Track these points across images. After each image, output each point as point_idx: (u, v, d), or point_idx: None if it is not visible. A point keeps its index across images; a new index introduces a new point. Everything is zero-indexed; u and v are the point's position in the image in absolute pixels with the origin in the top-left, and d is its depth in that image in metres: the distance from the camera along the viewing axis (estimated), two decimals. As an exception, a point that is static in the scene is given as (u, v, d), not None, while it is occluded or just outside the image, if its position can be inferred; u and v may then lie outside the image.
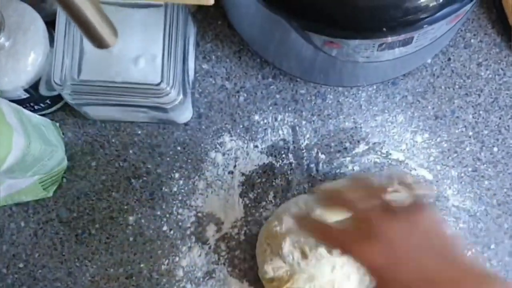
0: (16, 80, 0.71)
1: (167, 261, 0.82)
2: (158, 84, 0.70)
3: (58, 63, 0.70)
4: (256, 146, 0.84)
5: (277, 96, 0.85)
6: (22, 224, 0.82)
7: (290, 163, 0.84)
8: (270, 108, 0.85)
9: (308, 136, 0.84)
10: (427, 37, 0.68)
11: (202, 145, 0.84)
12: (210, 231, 0.83)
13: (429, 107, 0.86)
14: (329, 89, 0.85)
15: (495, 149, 0.85)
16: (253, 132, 0.84)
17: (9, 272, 0.82)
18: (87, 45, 0.70)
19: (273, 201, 0.83)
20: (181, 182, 0.83)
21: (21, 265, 0.82)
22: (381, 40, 0.65)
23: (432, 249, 0.60)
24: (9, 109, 0.67)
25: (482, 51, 0.87)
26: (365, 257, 0.60)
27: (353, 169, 0.84)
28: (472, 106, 0.86)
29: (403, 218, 0.61)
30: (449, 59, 0.86)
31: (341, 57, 0.70)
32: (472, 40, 0.87)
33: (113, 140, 0.83)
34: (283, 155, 0.84)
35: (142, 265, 0.82)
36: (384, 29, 0.63)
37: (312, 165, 0.84)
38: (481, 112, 0.86)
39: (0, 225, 0.82)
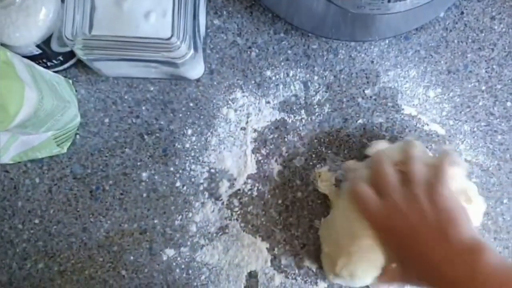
0: (27, 36, 0.71)
1: (180, 216, 0.83)
2: (169, 38, 0.70)
3: (69, 19, 0.70)
4: (268, 102, 0.84)
5: (289, 51, 0.85)
6: (37, 180, 0.83)
7: (302, 119, 0.84)
8: (282, 63, 0.85)
9: (320, 91, 0.84)
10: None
11: (214, 101, 0.84)
12: (223, 187, 0.83)
13: (442, 62, 0.85)
14: (341, 44, 0.85)
15: (508, 103, 0.85)
16: (265, 88, 0.84)
17: (25, 228, 0.83)
18: (98, 0, 0.70)
19: (285, 156, 0.83)
20: (193, 138, 0.83)
21: (36, 221, 0.83)
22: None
23: (433, 221, 0.63)
24: (21, 64, 0.68)
25: (495, 4, 0.86)
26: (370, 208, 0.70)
27: (365, 125, 0.84)
28: (485, 61, 0.85)
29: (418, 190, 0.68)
30: (462, 12, 0.85)
31: (352, 8, 0.70)
32: (485, -7, 0.86)
33: (126, 97, 0.84)
34: (295, 111, 0.84)
35: (155, 221, 0.83)
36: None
37: (324, 121, 0.84)
38: (494, 66, 0.85)
39: (15, 182, 0.83)
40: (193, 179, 0.83)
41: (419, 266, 0.65)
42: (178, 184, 0.83)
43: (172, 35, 0.70)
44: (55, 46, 0.76)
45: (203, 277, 0.82)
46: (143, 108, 0.83)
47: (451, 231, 0.64)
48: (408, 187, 0.69)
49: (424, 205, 0.67)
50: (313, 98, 0.84)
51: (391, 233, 0.69)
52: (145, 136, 0.83)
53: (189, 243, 0.82)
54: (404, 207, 0.68)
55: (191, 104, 0.84)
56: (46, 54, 0.76)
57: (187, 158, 0.83)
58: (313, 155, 0.83)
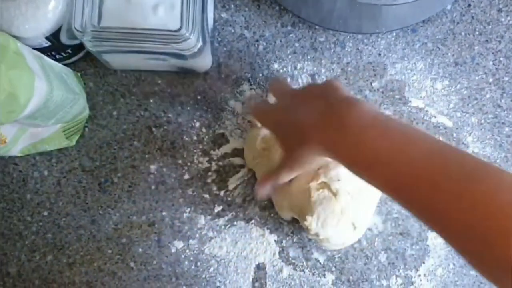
0: (36, 27, 0.72)
1: (188, 209, 0.83)
2: (178, 30, 0.70)
3: (78, 11, 0.70)
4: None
5: (296, 44, 0.85)
6: (46, 173, 0.83)
7: (310, 111, 0.84)
8: (289, 56, 0.85)
9: (327, 84, 0.84)
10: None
11: (222, 94, 0.84)
12: (231, 179, 0.83)
13: (449, 54, 0.85)
14: (348, 37, 0.85)
15: (516, 96, 0.85)
16: (273, 81, 0.85)
17: (34, 220, 0.83)
18: (107, -6, 0.71)
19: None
20: (201, 131, 0.84)
21: (45, 213, 0.83)
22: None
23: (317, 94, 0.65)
24: (31, 55, 0.68)
25: (503, -4, 0.86)
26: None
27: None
28: (493, 53, 0.85)
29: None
30: (469, 5, 0.86)
31: (360, -1, 0.70)
32: (492, -14, 0.86)
33: (134, 90, 0.84)
34: (303, 104, 0.84)
35: (164, 213, 0.83)
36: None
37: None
38: (501, 58, 0.85)
39: (24, 174, 0.83)
40: (201, 172, 0.83)
41: (298, 129, 0.65)
42: (186, 176, 0.83)
43: (181, 27, 0.70)
44: (64, 39, 0.76)
45: (211, 269, 0.82)
46: (151, 101, 0.84)
47: (331, 94, 0.64)
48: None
49: (311, 87, 0.70)
50: (320, 90, 0.84)
51: (281, 121, 0.68)
52: (153, 129, 0.83)
53: (197, 235, 0.83)
54: (294, 96, 0.69)
55: (199, 97, 0.84)
56: (55, 47, 0.76)
57: (195, 151, 0.83)
58: (321, 148, 0.84)
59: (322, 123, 0.61)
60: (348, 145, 0.58)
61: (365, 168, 0.57)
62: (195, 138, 0.83)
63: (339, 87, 0.65)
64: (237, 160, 0.83)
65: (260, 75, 0.84)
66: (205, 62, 0.81)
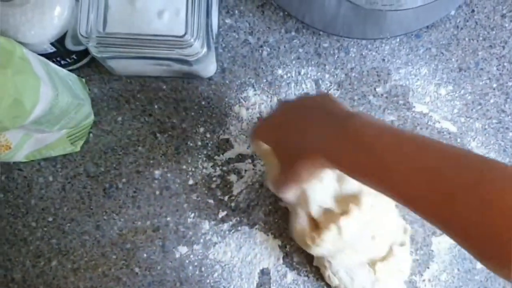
0: (42, 33, 0.72)
1: (193, 214, 0.83)
2: (183, 36, 0.70)
3: (83, 17, 0.71)
4: (280, 100, 0.84)
5: (300, 50, 0.85)
6: (51, 178, 0.83)
7: (314, 117, 0.84)
8: (293, 62, 0.85)
9: (331, 89, 0.85)
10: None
11: (226, 99, 0.84)
12: (235, 185, 0.84)
13: (453, 60, 0.85)
14: (352, 42, 0.85)
15: (520, 101, 0.85)
16: (277, 86, 0.85)
17: (39, 225, 0.83)
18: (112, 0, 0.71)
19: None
20: (206, 136, 0.84)
21: (50, 219, 0.83)
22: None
23: (309, 109, 0.66)
24: (36, 61, 0.68)
25: (506, 2, 0.86)
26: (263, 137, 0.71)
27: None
28: (496, 58, 0.86)
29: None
30: (473, 10, 0.86)
31: (365, 4, 0.70)
32: (496, -9, 0.86)
33: (139, 95, 0.84)
34: (307, 109, 0.84)
35: (168, 218, 0.83)
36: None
37: (336, 118, 0.84)
38: (505, 64, 0.86)
39: (29, 180, 0.83)
40: (205, 177, 0.83)
41: (298, 142, 0.65)
42: (190, 182, 0.83)
43: (186, 33, 0.70)
44: (69, 45, 0.76)
45: (216, 274, 0.83)
46: (156, 106, 0.84)
47: (329, 105, 0.64)
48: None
49: (306, 99, 0.70)
50: (324, 96, 0.84)
51: (281, 137, 0.68)
52: (158, 135, 0.84)
53: (201, 240, 0.83)
54: (289, 108, 0.70)
55: (203, 103, 0.84)
56: (60, 52, 0.77)
57: (199, 156, 0.84)
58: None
59: (325, 135, 0.61)
60: (357, 156, 0.57)
61: (376, 177, 0.57)
62: (199, 143, 0.84)
63: (336, 99, 0.65)
64: (241, 166, 0.83)
65: (264, 80, 0.85)
66: (209, 67, 0.82)
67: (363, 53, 0.85)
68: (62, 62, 0.79)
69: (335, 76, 0.85)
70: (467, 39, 0.86)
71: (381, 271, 0.77)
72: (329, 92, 0.84)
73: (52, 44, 0.74)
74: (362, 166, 0.58)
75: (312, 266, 0.83)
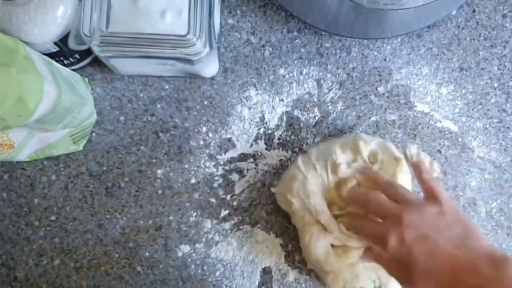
0: (45, 33, 0.72)
1: (195, 213, 0.83)
2: (185, 35, 0.70)
3: (86, 16, 0.71)
4: (282, 100, 0.85)
5: (302, 50, 0.85)
6: (53, 177, 0.84)
7: (315, 116, 0.85)
8: (295, 62, 0.85)
9: (333, 89, 0.85)
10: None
11: (228, 99, 0.85)
12: (237, 184, 0.84)
13: (454, 59, 0.86)
14: (354, 42, 0.85)
15: (521, 100, 0.86)
16: (279, 86, 0.85)
17: (41, 224, 0.83)
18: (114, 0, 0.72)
19: (298, 154, 0.84)
20: (208, 135, 0.84)
21: (52, 218, 0.83)
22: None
23: (450, 234, 0.62)
24: (40, 60, 0.69)
25: (507, 2, 0.86)
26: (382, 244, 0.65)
27: (378, 122, 0.84)
28: (497, 58, 0.86)
29: (424, 208, 0.65)
30: (474, 10, 0.86)
31: (367, 4, 0.71)
32: (497, -9, 0.87)
33: (141, 95, 0.84)
34: (309, 109, 0.85)
35: (171, 217, 0.83)
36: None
37: (337, 118, 0.84)
38: (506, 63, 0.86)
39: (31, 179, 0.84)
40: (207, 176, 0.84)
41: (436, 278, 0.61)
42: (193, 181, 0.84)
43: (188, 32, 0.71)
44: (72, 44, 0.77)
45: (218, 273, 0.83)
46: (158, 106, 0.84)
47: (470, 241, 0.61)
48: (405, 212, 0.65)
49: (435, 221, 0.64)
50: (326, 96, 0.85)
51: (409, 263, 0.63)
52: (160, 134, 0.84)
53: (204, 239, 0.83)
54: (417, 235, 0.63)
55: (206, 102, 0.84)
56: (63, 52, 0.77)
57: (201, 156, 0.84)
58: (327, 152, 0.84)
59: (472, 279, 0.58)
60: None
61: None
62: (201, 142, 0.84)
63: (477, 228, 0.63)
64: (243, 165, 0.84)
65: (266, 80, 0.85)
66: (211, 67, 0.82)
67: (365, 53, 0.85)
68: (65, 61, 0.79)
69: (337, 76, 0.85)
70: (468, 38, 0.86)
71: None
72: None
73: (55, 43, 0.74)
74: None
75: (313, 265, 0.83)
